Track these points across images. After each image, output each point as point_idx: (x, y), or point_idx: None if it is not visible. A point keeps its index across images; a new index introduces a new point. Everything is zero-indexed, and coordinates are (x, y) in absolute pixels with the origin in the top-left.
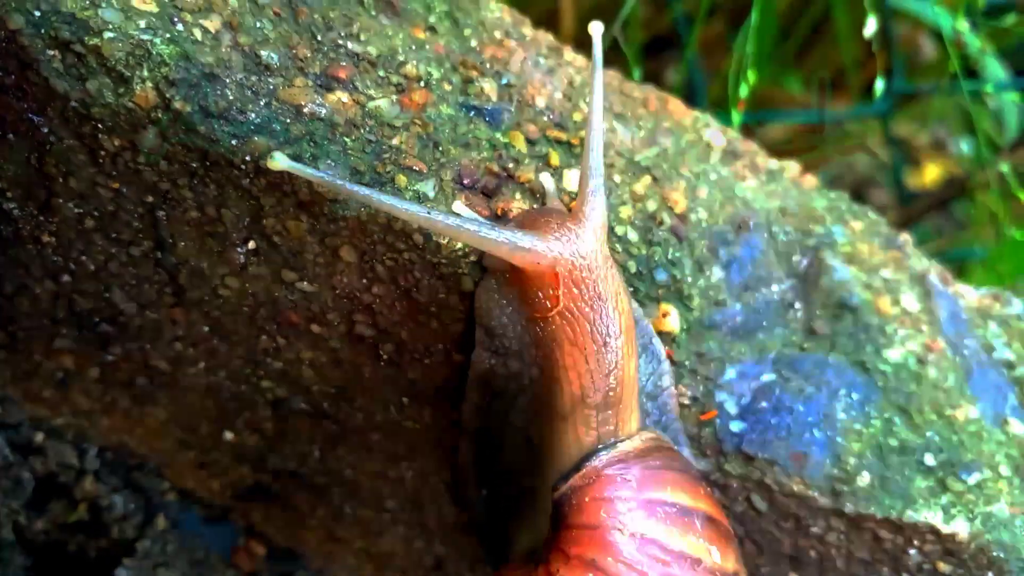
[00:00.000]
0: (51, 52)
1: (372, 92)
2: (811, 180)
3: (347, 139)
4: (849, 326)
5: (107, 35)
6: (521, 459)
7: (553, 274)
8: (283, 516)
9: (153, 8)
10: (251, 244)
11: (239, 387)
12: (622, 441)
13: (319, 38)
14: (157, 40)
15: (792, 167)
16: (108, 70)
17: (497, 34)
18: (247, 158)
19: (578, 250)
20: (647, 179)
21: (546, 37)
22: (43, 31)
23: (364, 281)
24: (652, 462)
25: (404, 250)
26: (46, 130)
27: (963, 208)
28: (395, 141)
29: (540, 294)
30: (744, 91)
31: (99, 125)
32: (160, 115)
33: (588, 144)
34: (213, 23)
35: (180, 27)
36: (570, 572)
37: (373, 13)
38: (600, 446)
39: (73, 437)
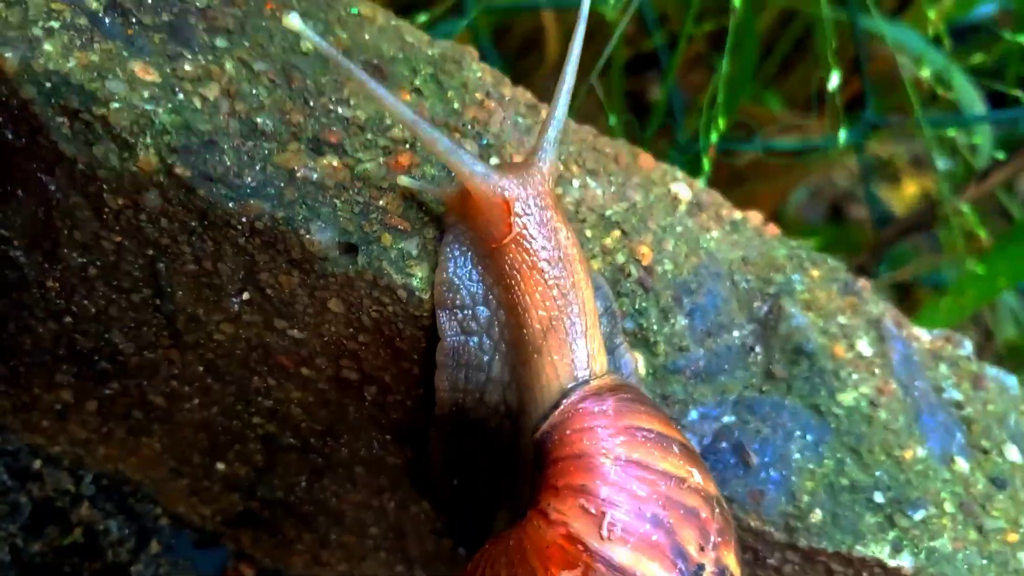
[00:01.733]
0: (60, 119)
1: (360, 155)
2: (773, 229)
3: (337, 201)
4: (805, 370)
5: (113, 105)
6: (500, 436)
7: (504, 203)
8: (271, 541)
9: (156, 78)
10: (245, 295)
11: (231, 422)
12: (594, 379)
13: (311, 103)
14: (160, 110)
15: (755, 217)
16: (114, 137)
17: (478, 95)
18: (243, 220)
19: (528, 183)
20: (616, 233)
21: (524, 95)
22: (53, 100)
23: (350, 330)
24: (624, 395)
25: (388, 304)
26: (53, 188)
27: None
28: (381, 202)
29: (494, 226)
30: (714, 137)
31: (104, 186)
32: (162, 179)
33: (556, 97)
34: (211, 91)
35: (181, 96)
36: (561, 502)
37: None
38: (573, 384)
39: (70, 464)
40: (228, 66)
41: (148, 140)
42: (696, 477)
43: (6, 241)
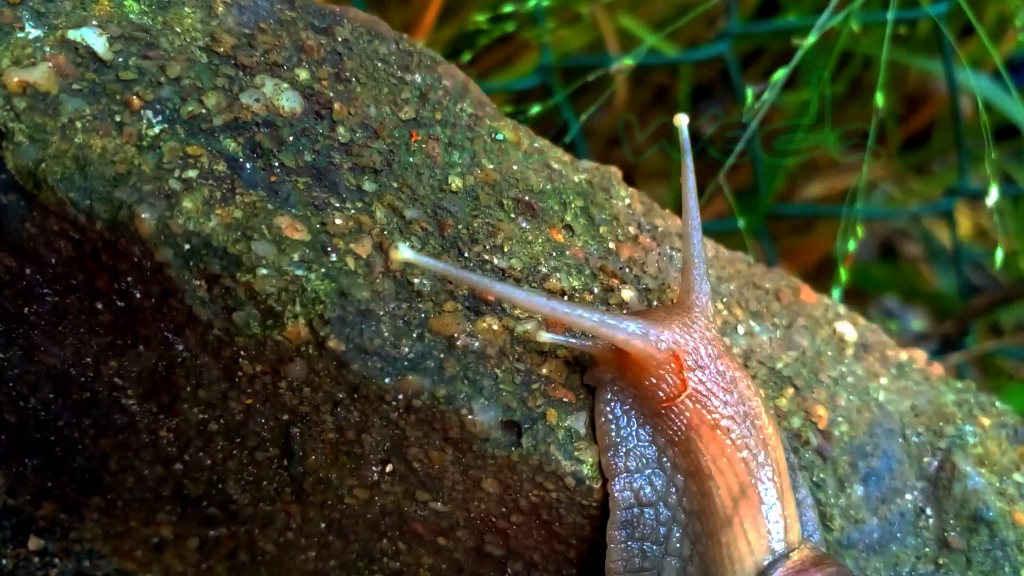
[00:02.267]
0: (197, 283)
1: (519, 312)
2: (938, 369)
3: (498, 371)
4: (985, 541)
5: (260, 272)
6: None
7: (673, 356)
8: None
9: (305, 236)
10: (388, 467)
11: None
12: (793, 551)
13: (465, 254)
14: (312, 275)
15: (919, 356)
16: (258, 304)
17: (631, 228)
18: (400, 396)
19: (693, 330)
20: (790, 391)
21: (676, 223)
22: (192, 264)
23: (503, 510)
24: (829, 569)
25: (553, 490)
26: (180, 347)
27: None
28: (544, 370)
29: (662, 384)
30: (852, 246)
31: (242, 352)
32: (311, 350)
33: (686, 232)
34: (364, 247)
35: (333, 256)
36: None
37: (513, 216)
38: (770, 558)
39: None
40: (379, 214)
41: (298, 309)
42: None
43: (119, 389)
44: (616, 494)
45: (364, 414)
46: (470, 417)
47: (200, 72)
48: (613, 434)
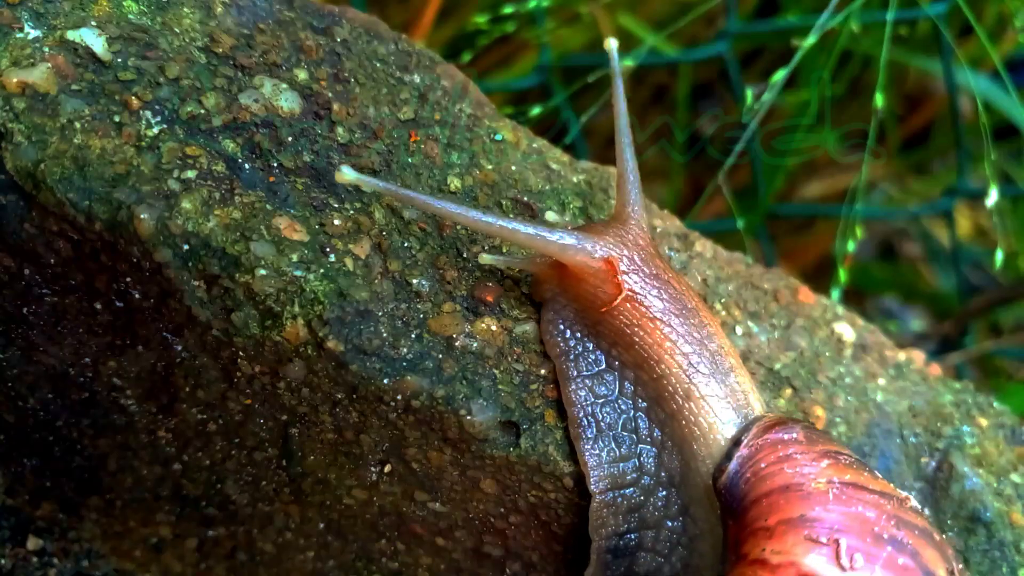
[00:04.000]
0: (196, 283)
1: (517, 313)
2: (936, 369)
3: (496, 371)
4: (983, 542)
5: (259, 272)
6: (667, 512)
7: (607, 262)
8: None
9: (304, 236)
10: (387, 468)
11: None
12: (761, 417)
13: (464, 254)
14: (311, 276)
15: (917, 357)
16: (257, 304)
17: None
18: (398, 397)
19: (626, 239)
20: (788, 391)
21: (674, 223)
22: (191, 264)
23: (501, 510)
24: (807, 424)
25: (551, 491)
26: (179, 347)
27: None
28: (543, 371)
29: (599, 291)
30: (851, 247)
31: (240, 352)
32: (310, 351)
33: (619, 151)
34: (362, 248)
35: (332, 257)
36: (781, 542)
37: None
38: (743, 422)
39: None
40: (377, 215)
41: (296, 309)
42: (912, 501)
43: (118, 389)
44: (571, 394)
45: (363, 415)
46: (468, 418)
47: (199, 72)
48: (561, 344)
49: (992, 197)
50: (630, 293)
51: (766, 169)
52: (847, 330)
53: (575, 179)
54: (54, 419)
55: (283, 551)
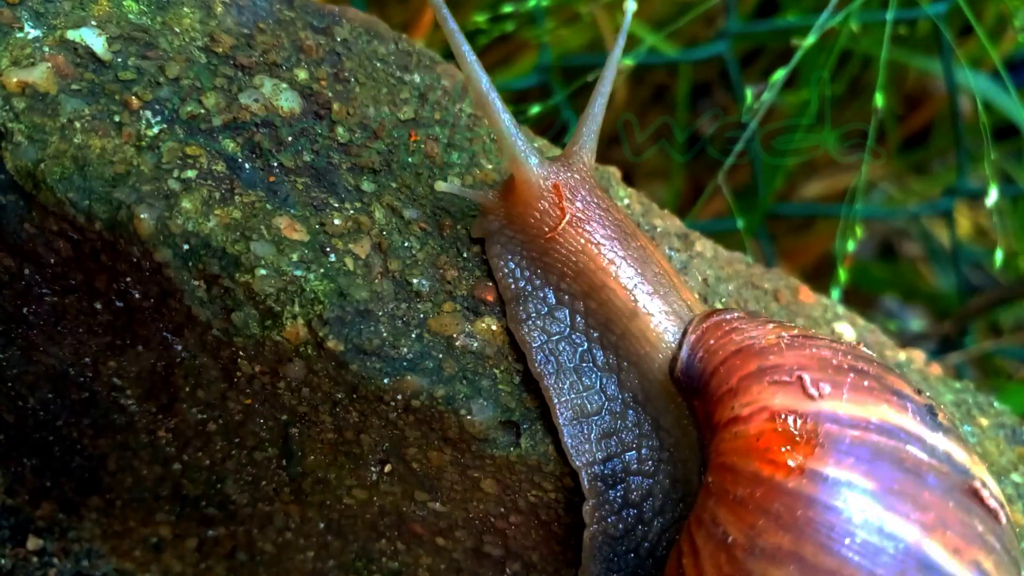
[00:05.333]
0: (196, 283)
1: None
2: (936, 369)
3: (496, 371)
4: None
5: (259, 272)
6: (639, 433)
7: (554, 187)
8: None
9: (304, 236)
10: (387, 467)
11: None
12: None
13: (464, 254)
14: (311, 276)
15: (918, 357)
16: (257, 304)
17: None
18: (398, 396)
19: (573, 169)
20: None
21: (675, 223)
22: (191, 264)
23: (501, 510)
24: (737, 311)
25: (551, 490)
26: (179, 347)
27: None
28: None
29: (545, 217)
30: (851, 246)
31: (240, 352)
32: (310, 351)
33: (594, 95)
34: (363, 247)
35: (332, 257)
36: (746, 394)
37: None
38: (690, 320)
39: None
40: (378, 215)
41: (296, 309)
42: (864, 348)
43: (118, 389)
44: (526, 336)
45: (363, 414)
46: (469, 417)
47: (199, 72)
48: (513, 287)
49: (992, 197)
50: (574, 217)
51: (766, 169)
52: (847, 330)
53: None
54: (54, 419)
55: (283, 551)
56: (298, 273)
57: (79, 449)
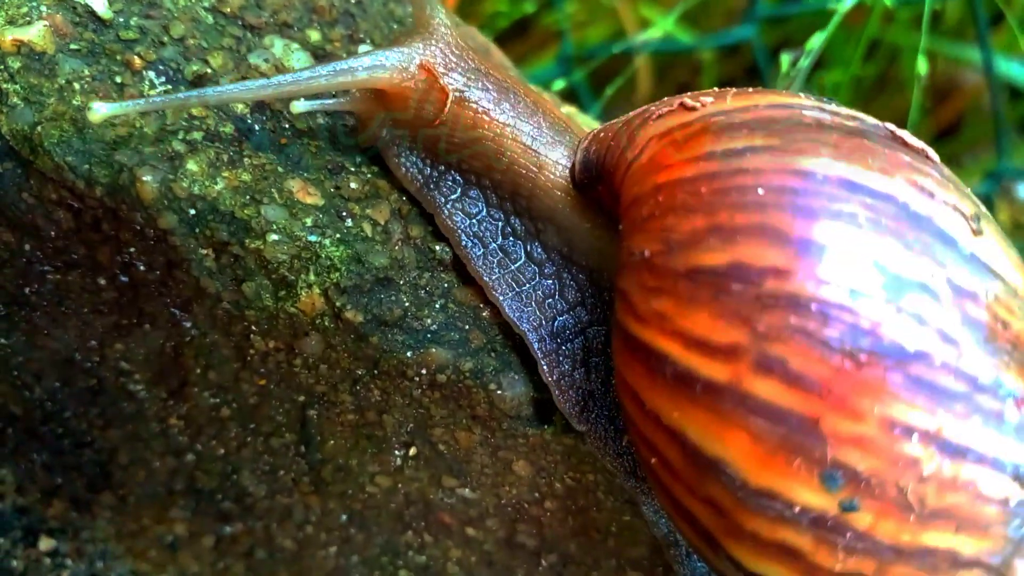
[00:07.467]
0: (204, 251)
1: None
2: None
3: None
4: None
5: (271, 237)
6: (577, 290)
7: (423, 68)
8: None
9: (318, 201)
10: (412, 450)
11: (372, 573)
12: None
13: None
14: (326, 241)
15: None
16: (269, 272)
17: None
18: (423, 371)
19: (434, 40)
20: None
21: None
22: (197, 230)
23: (535, 495)
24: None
25: (590, 472)
26: (188, 324)
27: None
28: None
29: (425, 103)
30: None
31: (253, 327)
32: (327, 323)
33: None
34: (381, 213)
35: (349, 222)
36: (636, 140)
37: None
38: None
39: None
40: None
41: (311, 277)
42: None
43: (126, 374)
44: (447, 221)
45: (385, 392)
46: (499, 392)
47: (205, 32)
48: (419, 177)
49: None
50: (457, 94)
51: None
52: None
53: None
54: (62, 410)
55: (303, 547)
56: (312, 239)
57: (89, 442)
